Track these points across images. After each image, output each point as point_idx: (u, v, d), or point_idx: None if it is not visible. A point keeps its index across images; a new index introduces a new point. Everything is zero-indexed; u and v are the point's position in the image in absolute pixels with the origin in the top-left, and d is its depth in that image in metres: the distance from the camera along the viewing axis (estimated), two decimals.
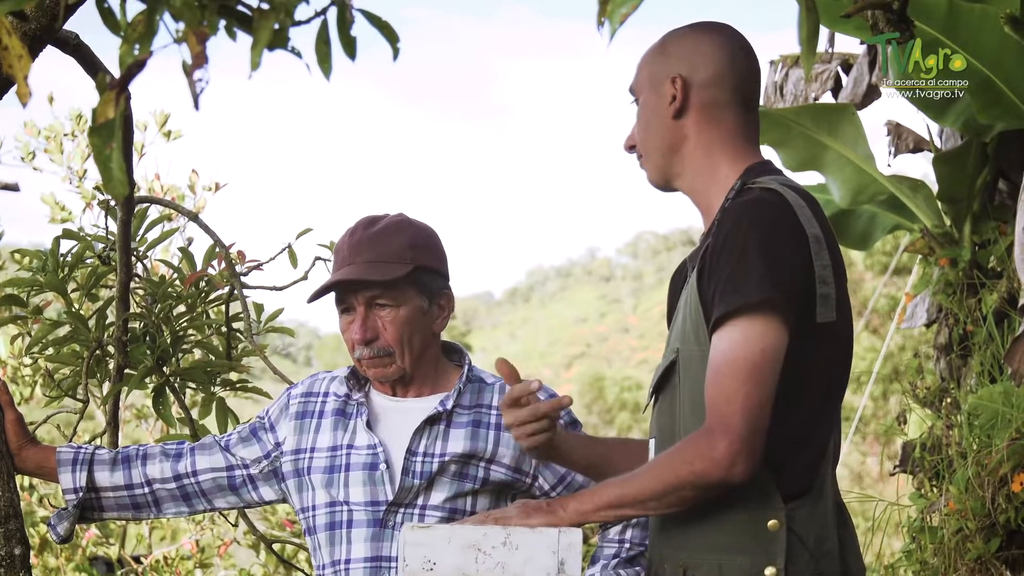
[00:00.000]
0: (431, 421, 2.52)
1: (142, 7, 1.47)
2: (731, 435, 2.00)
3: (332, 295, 2.56)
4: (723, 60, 2.21)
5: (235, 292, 3.42)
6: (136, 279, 3.40)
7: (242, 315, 3.42)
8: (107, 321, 3.30)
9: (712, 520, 2.12)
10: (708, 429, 2.03)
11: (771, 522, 2.08)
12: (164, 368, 3.31)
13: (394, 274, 2.48)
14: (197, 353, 3.64)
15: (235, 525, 4.27)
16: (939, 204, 5.76)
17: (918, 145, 5.91)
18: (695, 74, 2.20)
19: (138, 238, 3.38)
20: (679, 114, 2.21)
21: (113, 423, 3.37)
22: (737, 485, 2.03)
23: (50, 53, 2.79)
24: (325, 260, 3.50)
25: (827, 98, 6.17)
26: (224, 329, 3.48)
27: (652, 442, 2.25)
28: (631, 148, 2.29)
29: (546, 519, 2.14)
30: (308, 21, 1.54)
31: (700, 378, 2.11)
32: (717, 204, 2.19)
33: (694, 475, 2.03)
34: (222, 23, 1.50)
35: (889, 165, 5.91)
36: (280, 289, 3.56)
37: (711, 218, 2.20)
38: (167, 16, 1.45)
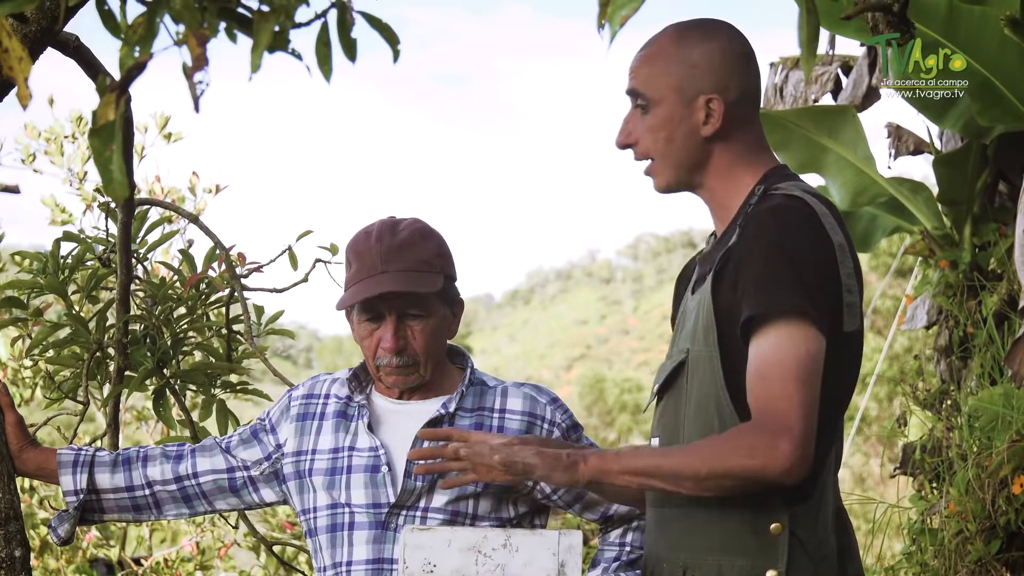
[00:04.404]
0: (433, 424, 2.51)
1: (142, 9, 1.47)
2: (791, 436, 1.98)
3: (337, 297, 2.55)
4: (748, 74, 2.20)
5: (235, 294, 3.41)
6: (136, 281, 3.39)
7: (242, 317, 3.42)
8: (107, 323, 3.30)
9: (713, 521, 2.12)
10: (763, 426, 2.00)
11: (773, 525, 2.08)
12: (164, 370, 3.31)
13: (433, 286, 2.47)
14: (197, 355, 3.63)
15: (235, 527, 4.26)
16: (939, 206, 5.76)
17: (918, 147, 5.91)
18: (728, 94, 2.17)
19: (138, 240, 3.38)
20: (714, 136, 2.19)
21: (113, 425, 3.37)
22: (788, 486, 2.01)
23: (50, 55, 2.79)
24: (326, 262, 3.49)
25: (827, 100, 6.18)
26: (224, 331, 3.48)
27: (655, 441, 2.25)
28: (626, 146, 2.24)
29: (566, 475, 2.15)
30: (308, 23, 1.54)
31: (706, 379, 2.12)
32: (734, 206, 2.19)
33: (749, 468, 2.00)
34: (222, 25, 1.50)
35: (889, 167, 5.92)
36: (280, 291, 3.56)
37: (726, 220, 2.21)
38: (167, 18, 1.45)
